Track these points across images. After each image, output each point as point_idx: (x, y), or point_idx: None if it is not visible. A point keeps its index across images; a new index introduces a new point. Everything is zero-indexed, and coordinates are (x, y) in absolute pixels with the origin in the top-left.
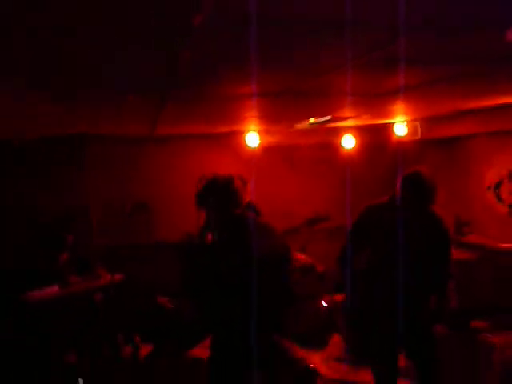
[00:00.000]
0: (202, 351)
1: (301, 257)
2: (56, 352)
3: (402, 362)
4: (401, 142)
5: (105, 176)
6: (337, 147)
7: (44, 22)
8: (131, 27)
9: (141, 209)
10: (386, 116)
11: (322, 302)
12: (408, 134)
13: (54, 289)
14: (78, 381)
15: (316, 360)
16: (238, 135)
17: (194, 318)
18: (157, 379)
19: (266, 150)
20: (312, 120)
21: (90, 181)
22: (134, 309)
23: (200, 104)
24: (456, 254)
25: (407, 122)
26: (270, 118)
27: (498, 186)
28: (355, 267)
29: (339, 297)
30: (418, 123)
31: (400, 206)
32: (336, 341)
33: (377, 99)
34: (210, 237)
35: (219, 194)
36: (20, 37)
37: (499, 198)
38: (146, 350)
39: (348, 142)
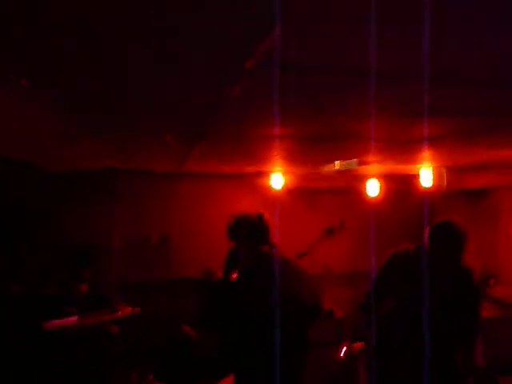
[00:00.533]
0: None
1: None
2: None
3: None
4: (426, 192)
5: (131, 210)
6: (361, 193)
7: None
8: (185, 68)
9: (165, 241)
10: (412, 162)
11: (342, 350)
12: (434, 183)
13: (73, 319)
14: None
15: None
16: (263, 176)
17: (216, 347)
18: None
19: (290, 192)
20: (337, 164)
21: (115, 214)
22: (151, 345)
23: (230, 143)
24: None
25: (433, 168)
26: (295, 160)
27: None
28: (378, 314)
29: (359, 344)
30: (444, 170)
31: (428, 254)
32: None
33: (403, 146)
34: (234, 275)
35: (250, 228)
36: (70, 75)
37: None
38: None
39: (372, 188)
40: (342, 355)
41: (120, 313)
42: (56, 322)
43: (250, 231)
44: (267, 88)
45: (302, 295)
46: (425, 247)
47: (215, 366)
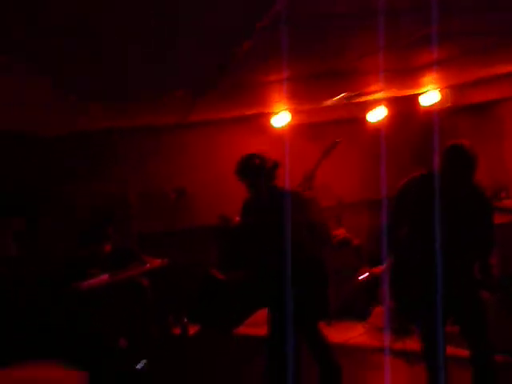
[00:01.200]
0: (247, 329)
1: (338, 231)
2: (108, 338)
3: (451, 328)
4: (432, 111)
5: (139, 165)
6: (365, 121)
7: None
8: (198, 30)
9: (182, 194)
10: (417, 86)
11: (362, 274)
12: (439, 102)
13: (104, 277)
14: (132, 365)
15: (360, 330)
16: (268, 116)
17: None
18: (205, 355)
19: (295, 128)
20: (340, 96)
21: (126, 171)
22: (182, 291)
23: (236, 90)
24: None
25: (438, 89)
26: (301, 98)
27: None
28: (398, 238)
29: (379, 268)
30: (448, 91)
31: (441, 178)
32: (378, 312)
33: (408, 73)
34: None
35: (257, 166)
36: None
37: None
38: (193, 330)
39: (377, 115)
40: (362, 279)
41: (148, 265)
42: (88, 283)
43: (257, 168)
44: (276, 39)
45: (312, 223)
46: (437, 171)
47: (243, 304)
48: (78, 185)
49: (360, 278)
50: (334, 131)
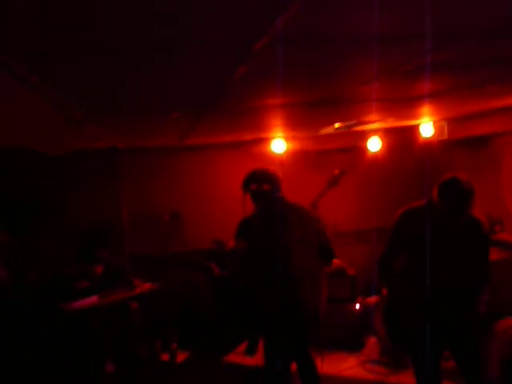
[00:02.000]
0: (237, 357)
1: (333, 261)
2: (95, 361)
3: (447, 363)
4: (428, 143)
5: (136, 187)
6: (363, 150)
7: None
8: (194, 51)
9: (176, 217)
10: (413, 117)
11: (357, 305)
12: (435, 134)
13: (94, 299)
14: None
15: (353, 362)
16: (265, 142)
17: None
18: (194, 381)
19: (293, 155)
20: (337, 125)
21: (122, 192)
22: (172, 316)
23: (233, 115)
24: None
25: (434, 122)
26: (297, 125)
27: None
28: (393, 270)
29: (373, 299)
30: (444, 123)
31: (438, 210)
32: (372, 343)
33: (404, 103)
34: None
35: (266, 177)
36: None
37: None
38: (182, 357)
39: (374, 144)
40: (357, 308)
41: (138, 289)
42: (76, 304)
43: (266, 179)
44: (271, 64)
45: (312, 237)
46: (434, 204)
47: (234, 332)
48: (72, 203)
49: (354, 308)
50: (334, 159)
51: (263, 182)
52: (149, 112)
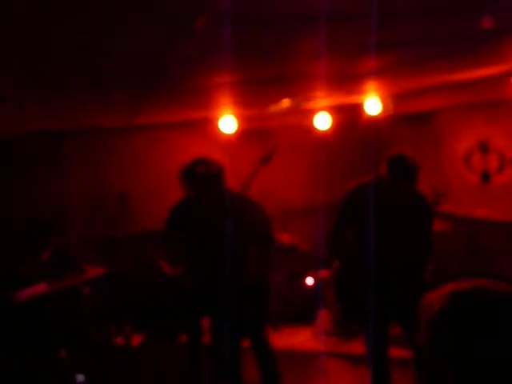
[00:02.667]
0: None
1: (284, 237)
2: (48, 349)
3: (394, 329)
4: (373, 120)
5: (83, 169)
6: (311, 128)
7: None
8: (135, 29)
9: (122, 199)
10: (359, 94)
11: (309, 279)
12: (380, 110)
13: (42, 286)
14: (71, 376)
15: (306, 335)
16: (215, 121)
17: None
18: (150, 364)
19: (241, 134)
20: (286, 102)
21: (68, 176)
22: (125, 298)
23: (181, 94)
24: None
25: (379, 98)
26: (245, 103)
27: (468, 156)
28: (344, 244)
29: (324, 273)
30: (389, 99)
31: (385, 186)
32: (324, 316)
33: (350, 80)
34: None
35: (204, 172)
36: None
37: (470, 168)
38: (137, 340)
39: (322, 122)
40: (309, 282)
41: (89, 273)
42: (25, 293)
43: (201, 176)
44: (215, 42)
45: (255, 225)
46: (381, 179)
47: (188, 311)
48: (15, 192)
49: (306, 282)
50: (282, 137)
51: (209, 166)
52: (89, 91)
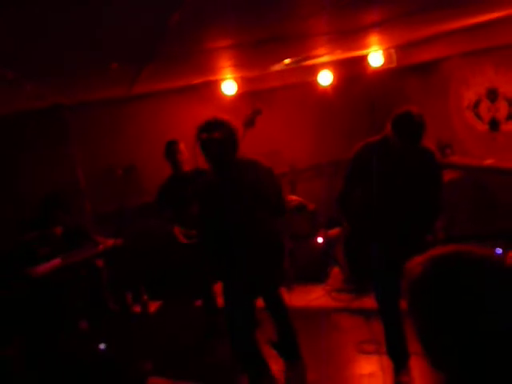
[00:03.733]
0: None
1: (292, 197)
2: (67, 322)
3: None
4: (377, 72)
5: (88, 142)
6: (314, 85)
7: None
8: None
9: (130, 171)
10: (361, 48)
11: (319, 238)
12: (384, 62)
13: (56, 261)
14: (93, 346)
15: (319, 293)
16: (216, 84)
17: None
18: (168, 331)
19: (244, 96)
20: (287, 61)
21: (74, 150)
22: (140, 267)
23: (180, 61)
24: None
25: (382, 51)
26: (246, 66)
27: (476, 105)
28: (353, 204)
29: (334, 231)
30: (393, 51)
31: (392, 145)
32: (336, 273)
33: (351, 34)
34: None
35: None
36: None
37: (478, 117)
38: (154, 307)
39: (325, 78)
40: (319, 241)
41: (101, 246)
42: (40, 268)
43: (218, 128)
44: (209, 6)
45: (268, 197)
46: (389, 138)
47: (203, 278)
48: (23, 167)
49: (317, 241)
50: (285, 96)
51: (214, 130)
52: (85, 64)
